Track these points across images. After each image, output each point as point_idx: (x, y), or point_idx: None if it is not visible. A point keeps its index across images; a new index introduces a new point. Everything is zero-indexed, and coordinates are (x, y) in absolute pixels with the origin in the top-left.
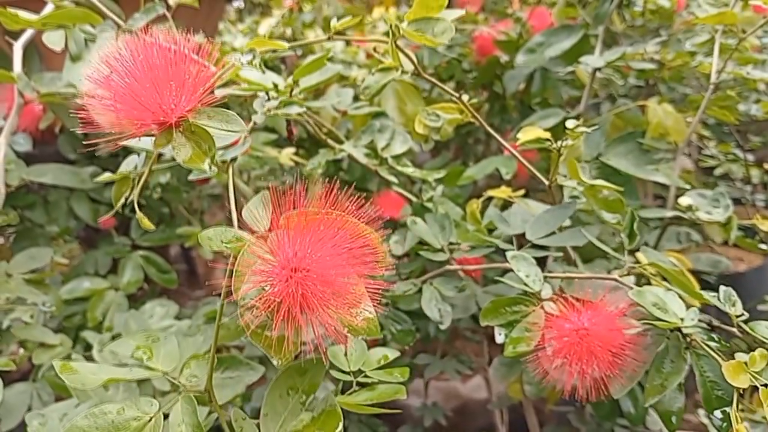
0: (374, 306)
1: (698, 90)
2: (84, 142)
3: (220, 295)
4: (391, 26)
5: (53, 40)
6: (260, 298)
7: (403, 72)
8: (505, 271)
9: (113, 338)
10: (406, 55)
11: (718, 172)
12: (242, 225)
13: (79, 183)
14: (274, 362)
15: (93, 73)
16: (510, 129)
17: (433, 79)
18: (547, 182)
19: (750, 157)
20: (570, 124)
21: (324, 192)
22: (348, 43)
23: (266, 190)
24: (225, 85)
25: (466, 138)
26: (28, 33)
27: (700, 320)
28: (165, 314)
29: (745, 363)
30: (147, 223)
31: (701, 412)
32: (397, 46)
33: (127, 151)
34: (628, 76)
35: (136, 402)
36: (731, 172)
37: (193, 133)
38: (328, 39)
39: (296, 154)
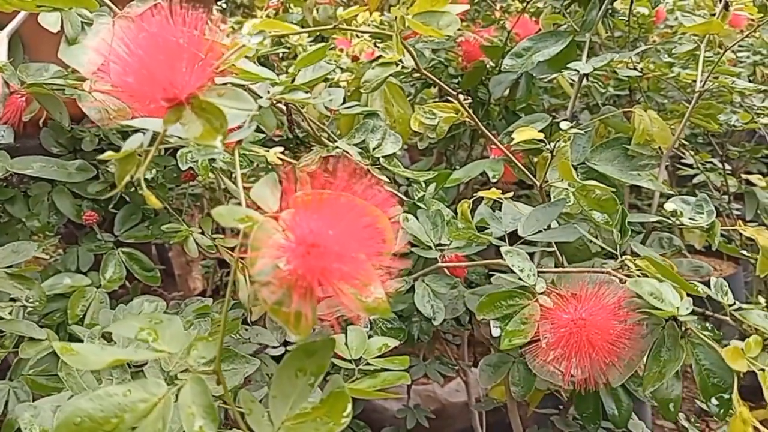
0: (384, 287)
1: (677, 100)
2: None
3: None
4: (396, 18)
5: (50, 21)
6: (276, 274)
7: (403, 68)
8: (490, 271)
9: (103, 334)
10: (408, 50)
11: (696, 180)
12: (250, 206)
13: (65, 176)
14: (293, 338)
15: (102, 46)
16: (495, 135)
17: (433, 77)
18: (537, 184)
19: (727, 167)
20: (564, 125)
21: (332, 174)
22: (333, 47)
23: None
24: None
25: (449, 143)
26: (14, 22)
27: (693, 311)
28: (154, 310)
29: (742, 349)
30: (154, 200)
31: (681, 416)
32: (402, 42)
33: (112, 145)
34: (608, 86)
35: (143, 384)
36: (709, 180)
37: (204, 110)
38: (334, 28)
39: (283, 153)
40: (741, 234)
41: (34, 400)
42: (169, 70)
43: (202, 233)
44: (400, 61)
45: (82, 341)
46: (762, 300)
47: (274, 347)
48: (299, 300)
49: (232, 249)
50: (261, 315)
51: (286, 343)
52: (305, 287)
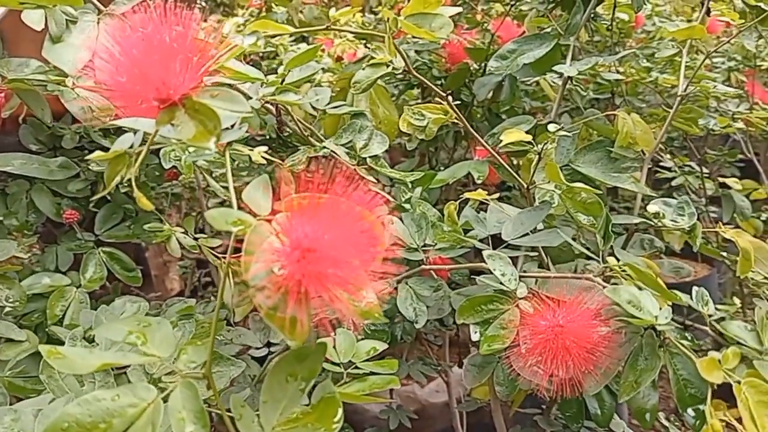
0: (376, 291)
1: (652, 104)
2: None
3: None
4: (388, 19)
5: (33, 18)
6: (271, 279)
7: (393, 69)
8: (473, 272)
9: (86, 335)
10: (399, 52)
11: (675, 183)
12: (242, 208)
13: (47, 174)
14: (289, 343)
15: (95, 44)
16: (480, 136)
17: (424, 79)
18: (524, 185)
19: (704, 170)
20: (551, 127)
21: (324, 178)
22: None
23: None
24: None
25: (431, 144)
26: None
27: (673, 319)
28: (137, 311)
29: (718, 361)
30: (146, 202)
31: (661, 414)
32: (393, 43)
33: (94, 143)
34: (588, 89)
35: (132, 388)
36: (688, 183)
37: (197, 111)
38: (327, 28)
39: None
40: (717, 236)
41: (11, 403)
42: (162, 70)
43: (185, 233)
44: (391, 62)
45: (61, 342)
46: (737, 301)
47: (257, 348)
48: (294, 305)
49: (215, 249)
50: (244, 316)
51: (269, 344)
52: (301, 292)
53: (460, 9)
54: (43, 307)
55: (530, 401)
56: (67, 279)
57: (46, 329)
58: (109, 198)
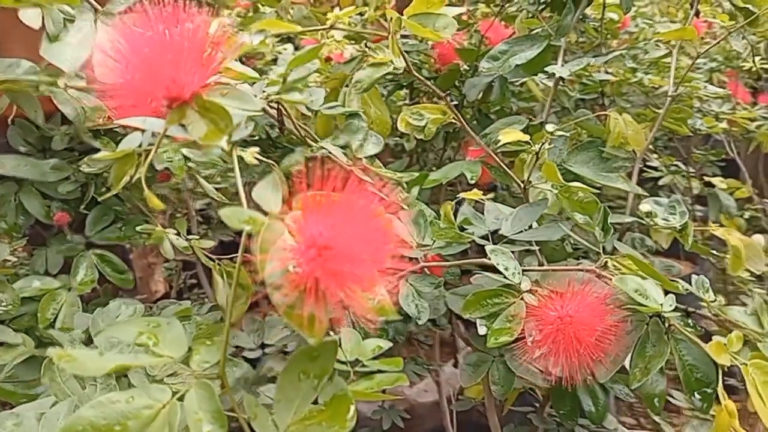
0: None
1: (635, 104)
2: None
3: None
4: (391, 19)
5: (30, 17)
6: (288, 277)
7: (395, 68)
8: (464, 271)
9: (83, 339)
10: (401, 51)
11: (662, 182)
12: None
13: (39, 176)
14: (309, 340)
15: (96, 43)
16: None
17: (423, 79)
18: (520, 185)
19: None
20: (549, 127)
21: (333, 176)
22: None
23: (273, 172)
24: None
25: (419, 145)
26: None
27: (676, 307)
28: (133, 313)
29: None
30: (157, 202)
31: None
32: (397, 43)
33: (83, 144)
34: (574, 90)
35: (146, 390)
36: (677, 182)
37: (208, 110)
38: (330, 27)
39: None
40: (702, 234)
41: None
42: (173, 68)
43: (178, 234)
44: (391, 62)
45: (53, 345)
46: (722, 299)
47: (250, 350)
48: (312, 303)
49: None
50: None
51: (262, 346)
52: (318, 290)
53: (462, 9)
54: (33, 310)
55: (522, 400)
56: (58, 282)
57: (37, 333)
58: (99, 200)
